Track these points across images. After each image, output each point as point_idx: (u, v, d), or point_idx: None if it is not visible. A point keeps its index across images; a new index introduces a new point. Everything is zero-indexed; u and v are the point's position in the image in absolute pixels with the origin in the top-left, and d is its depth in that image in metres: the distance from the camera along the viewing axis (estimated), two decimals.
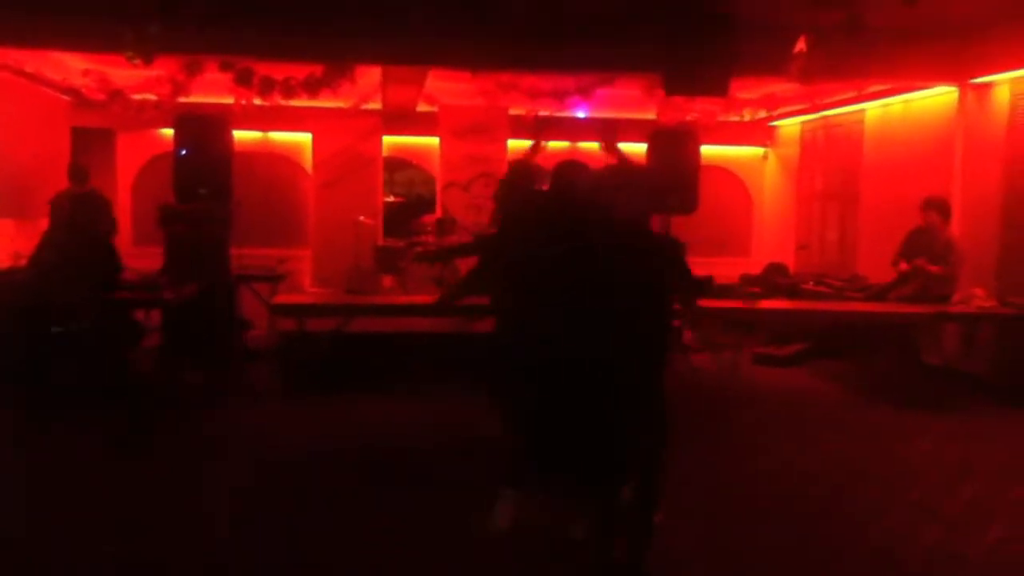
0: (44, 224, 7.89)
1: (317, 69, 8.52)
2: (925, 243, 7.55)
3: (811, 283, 9.18)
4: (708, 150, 9.98)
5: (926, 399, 7.08)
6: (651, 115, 10.69)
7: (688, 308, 4.71)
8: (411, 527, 4.38)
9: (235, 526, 4.39)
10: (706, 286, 6.82)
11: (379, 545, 4.18)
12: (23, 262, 7.10)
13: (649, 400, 3.68)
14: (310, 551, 4.11)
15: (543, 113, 5.15)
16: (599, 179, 3.94)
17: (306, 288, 10.58)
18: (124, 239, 10.18)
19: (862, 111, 9.87)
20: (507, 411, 4.60)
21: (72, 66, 9.15)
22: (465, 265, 8.24)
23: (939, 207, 7.52)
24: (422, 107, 10.60)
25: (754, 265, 11.17)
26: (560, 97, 9.82)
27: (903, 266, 7.63)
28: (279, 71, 8.68)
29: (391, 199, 11.81)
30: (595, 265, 3.53)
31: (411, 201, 11.92)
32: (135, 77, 9.04)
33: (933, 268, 7.40)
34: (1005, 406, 7.03)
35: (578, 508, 4.00)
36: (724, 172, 12.06)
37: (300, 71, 8.61)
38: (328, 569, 3.94)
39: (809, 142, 11.27)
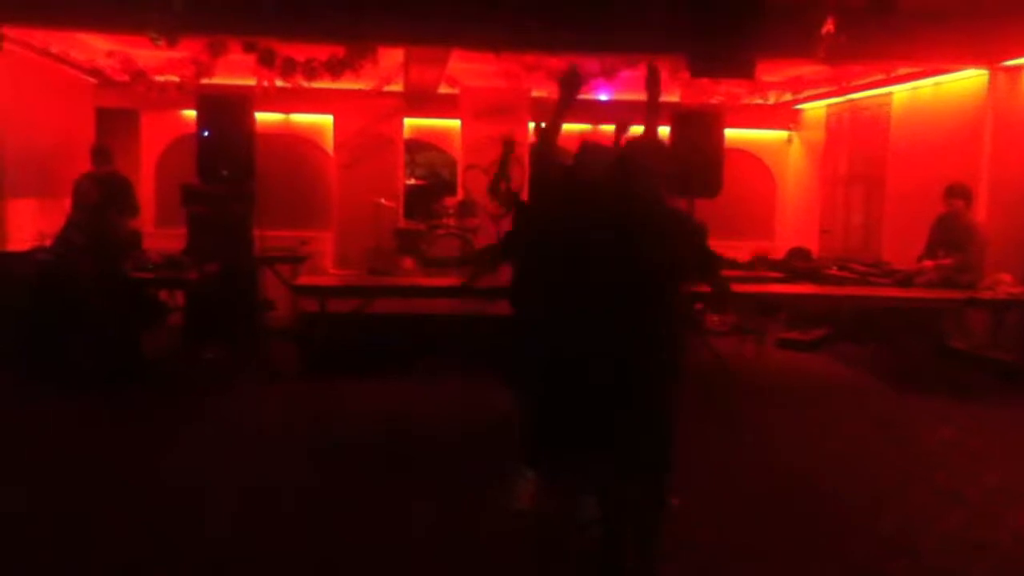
0: (68, 204, 7.95)
1: (339, 50, 8.50)
2: (948, 230, 7.47)
3: (834, 268, 9.11)
4: (732, 133, 9.89)
5: (951, 385, 7.00)
6: (675, 97, 10.58)
7: (714, 284, 4.65)
8: (425, 512, 4.36)
9: (245, 510, 4.40)
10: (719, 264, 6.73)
11: (390, 533, 4.16)
12: (48, 242, 7.15)
13: (662, 384, 3.64)
14: (322, 532, 4.13)
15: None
16: (620, 158, 3.90)
17: (328, 269, 10.62)
18: (147, 220, 10.24)
19: (889, 94, 9.74)
20: (522, 394, 4.59)
21: (97, 47, 9.17)
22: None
23: (961, 193, 7.46)
24: (444, 89, 10.56)
25: (778, 249, 11.11)
26: (584, 79, 9.74)
27: (926, 264, 7.58)
28: (301, 52, 8.67)
29: (412, 181, 11.80)
30: (611, 247, 3.50)
31: (432, 183, 11.90)
32: (159, 58, 9.05)
33: (946, 261, 7.35)
34: None
35: (588, 493, 3.96)
36: (748, 155, 11.95)
37: (322, 52, 8.60)
38: (336, 554, 3.94)
39: (835, 125, 11.14)
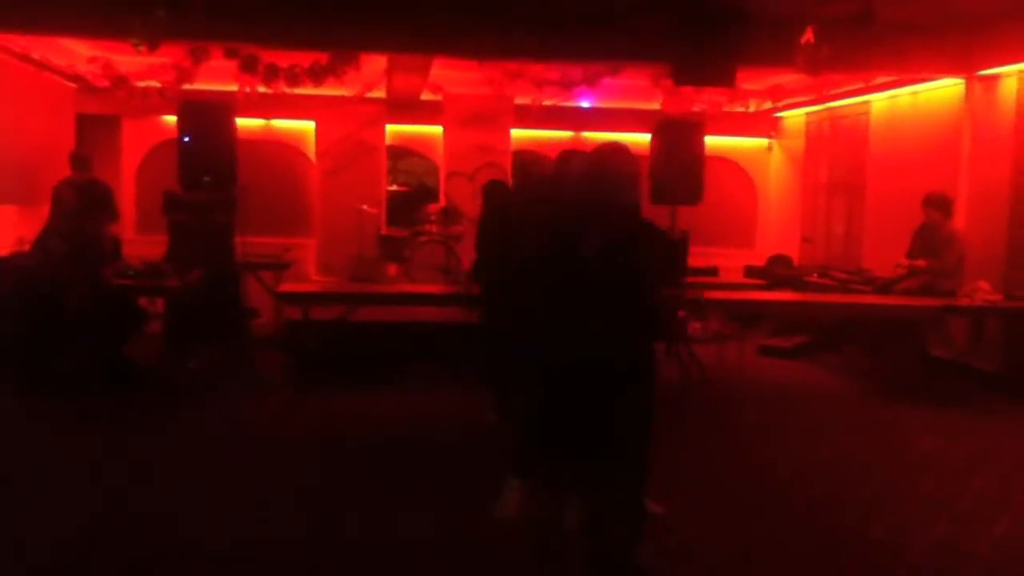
0: (47, 211, 7.91)
1: (322, 57, 8.50)
2: (928, 239, 7.56)
3: (815, 275, 9.18)
4: (713, 141, 9.95)
5: (932, 392, 7.06)
6: (656, 105, 10.64)
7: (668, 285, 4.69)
8: (412, 520, 4.36)
9: (243, 513, 4.39)
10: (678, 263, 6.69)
11: (378, 540, 4.15)
12: (27, 248, 7.10)
13: (641, 387, 3.68)
14: (310, 542, 4.12)
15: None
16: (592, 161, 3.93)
17: (311, 276, 10.60)
18: (128, 226, 10.19)
19: (867, 103, 9.84)
20: (511, 401, 4.61)
21: (78, 53, 9.14)
22: (467, 254, 8.28)
23: (938, 203, 7.50)
24: (426, 95, 10.57)
25: (758, 257, 11.19)
26: (567, 86, 9.79)
27: (900, 262, 7.68)
28: (284, 59, 8.67)
29: (395, 188, 11.79)
30: (591, 257, 3.53)
31: (415, 190, 11.91)
32: (140, 64, 9.03)
33: (919, 263, 7.44)
34: (1013, 400, 7.01)
35: (578, 498, 3.99)
36: (729, 163, 12.02)
37: (305, 59, 8.60)
38: (333, 555, 3.94)
39: (814, 133, 11.24)
